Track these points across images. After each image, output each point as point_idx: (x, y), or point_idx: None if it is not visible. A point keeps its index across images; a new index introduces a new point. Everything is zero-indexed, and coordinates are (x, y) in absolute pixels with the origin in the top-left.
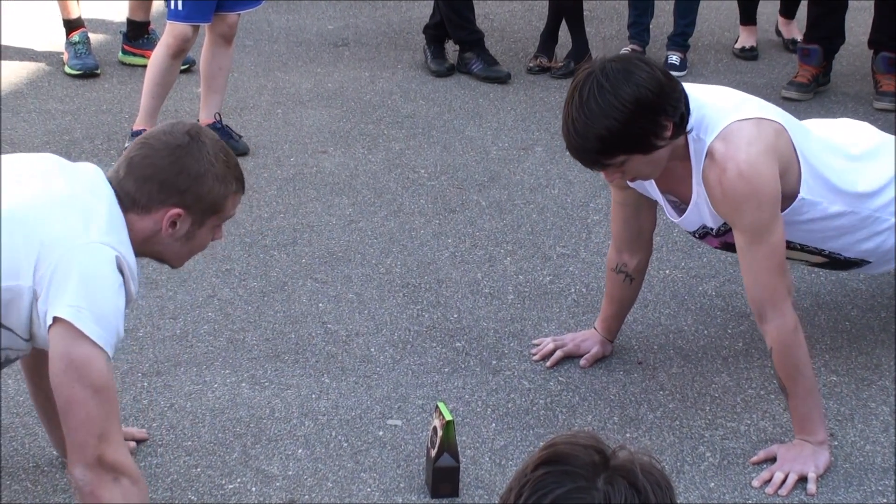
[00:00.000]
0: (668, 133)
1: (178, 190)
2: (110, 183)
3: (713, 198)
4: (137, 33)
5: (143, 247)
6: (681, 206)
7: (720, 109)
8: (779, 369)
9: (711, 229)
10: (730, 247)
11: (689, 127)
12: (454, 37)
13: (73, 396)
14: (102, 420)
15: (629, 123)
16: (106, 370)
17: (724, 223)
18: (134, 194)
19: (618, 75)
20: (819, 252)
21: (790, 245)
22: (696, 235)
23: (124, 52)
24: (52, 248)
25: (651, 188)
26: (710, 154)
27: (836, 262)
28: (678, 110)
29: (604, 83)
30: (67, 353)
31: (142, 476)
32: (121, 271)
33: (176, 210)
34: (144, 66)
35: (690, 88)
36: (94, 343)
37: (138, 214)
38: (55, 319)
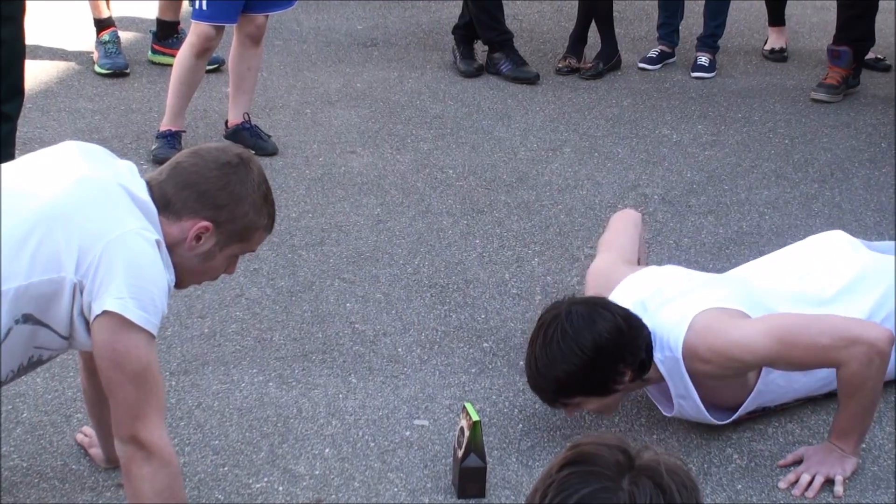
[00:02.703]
0: (627, 378)
1: (215, 204)
2: (149, 183)
3: (707, 374)
4: (167, 33)
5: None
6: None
7: (671, 323)
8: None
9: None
10: None
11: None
12: (483, 37)
13: (112, 381)
14: (138, 402)
15: (587, 369)
16: (145, 356)
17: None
18: (171, 197)
19: (580, 321)
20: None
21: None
22: None
23: (154, 51)
24: (93, 240)
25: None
26: (686, 357)
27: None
28: (638, 357)
29: (567, 329)
30: (110, 343)
31: (175, 458)
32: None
33: (206, 223)
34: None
35: (630, 292)
36: (139, 329)
37: (168, 219)
38: (102, 312)
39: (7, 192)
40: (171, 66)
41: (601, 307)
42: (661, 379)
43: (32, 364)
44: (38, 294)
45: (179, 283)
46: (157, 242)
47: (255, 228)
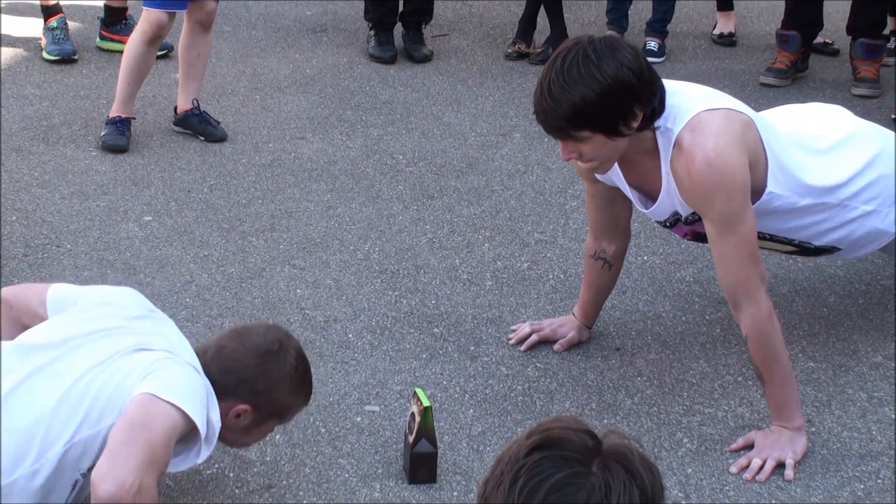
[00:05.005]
0: (636, 123)
1: (254, 390)
2: (199, 355)
3: (682, 188)
4: (115, 19)
5: None
6: (649, 200)
7: (688, 100)
8: (755, 357)
9: (682, 216)
10: (699, 237)
11: (657, 123)
12: (367, 16)
13: (152, 423)
14: (161, 460)
15: (604, 98)
16: (174, 436)
17: (692, 211)
18: (216, 378)
19: (604, 50)
20: (789, 242)
21: (760, 235)
22: (667, 224)
23: (102, 37)
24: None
25: (619, 181)
26: (677, 144)
27: (806, 251)
28: (652, 103)
29: (590, 53)
30: (150, 401)
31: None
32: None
33: (245, 406)
34: (122, 52)
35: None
36: (174, 408)
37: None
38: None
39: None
40: (119, 52)
41: (624, 43)
42: (653, 151)
43: None
44: (95, 445)
45: (229, 445)
46: (197, 370)
47: (290, 408)
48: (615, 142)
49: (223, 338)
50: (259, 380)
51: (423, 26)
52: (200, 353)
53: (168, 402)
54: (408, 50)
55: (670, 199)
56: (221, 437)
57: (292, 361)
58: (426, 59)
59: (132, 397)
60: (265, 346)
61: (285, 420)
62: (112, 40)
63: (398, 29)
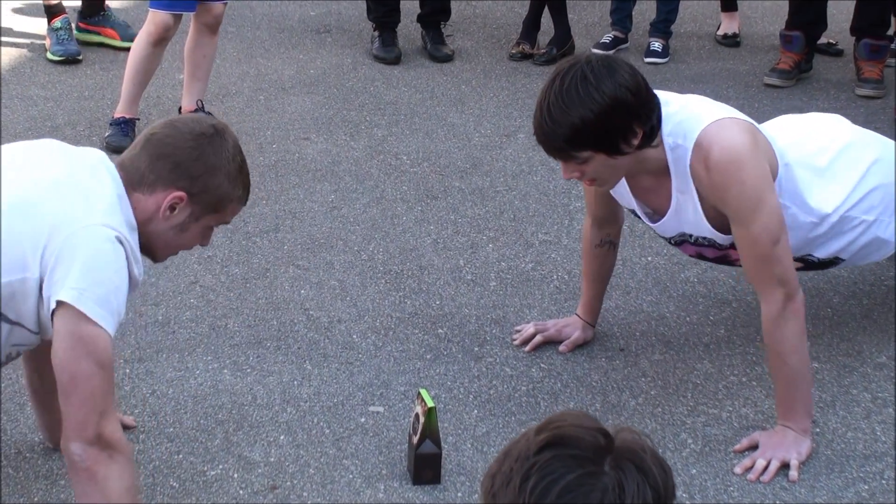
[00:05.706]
0: (637, 141)
1: (189, 175)
2: (122, 160)
3: (702, 186)
4: (92, 10)
5: (141, 230)
6: (655, 215)
7: (696, 115)
8: (766, 353)
9: (690, 237)
10: (705, 257)
11: (664, 135)
12: (370, 16)
13: (79, 371)
14: (104, 396)
15: (604, 118)
16: (109, 349)
17: (703, 235)
18: (144, 171)
19: (602, 70)
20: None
21: None
22: (672, 242)
23: (79, 29)
24: (55, 234)
25: (626, 193)
26: (696, 148)
27: (811, 265)
28: (650, 121)
29: (588, 74)
30: (75, 331)
31: (132, 452)
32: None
33: (180, 193)
34: (102, 45)
35: (663, 95)
36: (97, 323)
37: (144, 194)
38: (58, 303)
39: None
40: (97, 44)
41: (620, 61)
42: (661, 171)
43: (10, 359)
44: (7, 294)
45: (155, 257)
46: (120, 239)
47: (229, 199)
48: (617, 160)
49: (154, 127)
50: (195, 163)
51: (442, 25)
52: (129, 152)
53: (95, 324)
54: (429, 51)
55: (678, 220)
56: (153, 246)
57: (230, 149)
58: (448, 58)
59: (58, 314)
60: (200, 130)
61: (223, 218)
62: (90, 31)
63: (417, 30)
